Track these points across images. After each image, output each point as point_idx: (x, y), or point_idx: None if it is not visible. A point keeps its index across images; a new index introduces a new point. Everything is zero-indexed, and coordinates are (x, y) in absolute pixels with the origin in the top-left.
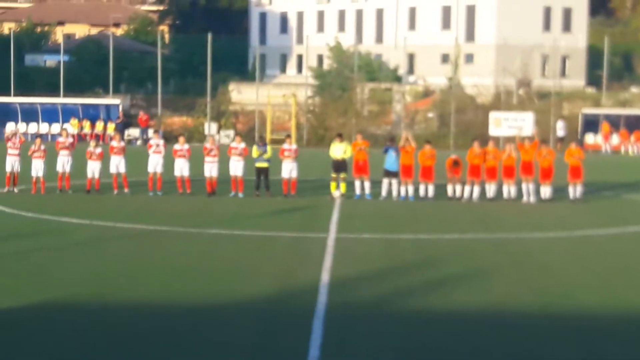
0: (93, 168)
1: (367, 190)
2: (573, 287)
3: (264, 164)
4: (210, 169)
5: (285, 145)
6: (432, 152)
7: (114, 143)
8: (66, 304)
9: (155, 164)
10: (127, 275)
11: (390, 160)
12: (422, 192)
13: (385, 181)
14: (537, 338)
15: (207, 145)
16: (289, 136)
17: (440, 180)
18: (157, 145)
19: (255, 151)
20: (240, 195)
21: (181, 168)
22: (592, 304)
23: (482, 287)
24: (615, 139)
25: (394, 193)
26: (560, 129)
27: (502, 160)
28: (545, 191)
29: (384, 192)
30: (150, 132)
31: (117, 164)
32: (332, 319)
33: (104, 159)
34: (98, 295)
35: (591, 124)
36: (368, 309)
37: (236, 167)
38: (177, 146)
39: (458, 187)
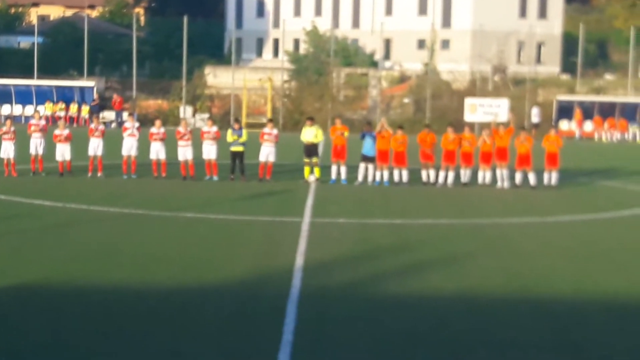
0: (62, 150)
1: (343, 175)
2: (547, 272)
3: (239, 148)
4: (184, 153)
5: (266, 129)
6: (404, 137)
7: (93, 125)
8: (39, 288)
9: (129, 147)
10: (101, 259)
11: (367, 146)
12: (396, 177)
13: (361, 166)
14: (511, 322)
15: (180, 129)
16: (270, 120)
17: (415, 166)
18: (132, 129)
19: (230, 135)
20: (215, 178)
21: (157, 151)
22: (565, 288)
23: (456, 272)
24: (589, 125)
25: (369, 178)
26: (535, 116)
27: (478, 146)
28: (530, 178)
29: (360, 177)
30: (125, 115)
31: (96, 146)
32: (306, 302)
33: (77, 141)
34: (71, 278)
35: (565, 110)
36: (342, 293)
37: (209, 151)
38: (153, 129)
39: (432, 172)
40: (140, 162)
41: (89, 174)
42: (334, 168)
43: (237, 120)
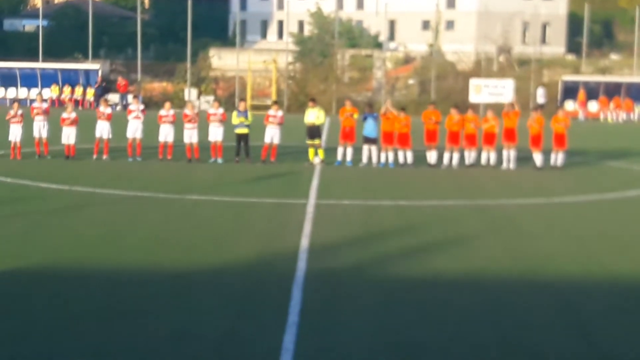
0: (68, 134)
1: (349, 157)
2: (553, 253)
3: (244, 130)
4: (190, 136)
5: (271, 112)
6: (407, 119)
7: (102, 108)
8: (45, 270)
9: (134, 129)
10: (107, 242)
11: (369, 127)
12: (400, 158)
13: (365, 148)
14: (517, 304)
15: (187, 111)
16: (275, 102)
17: (420, 147)
18: (137, 111)
19: (235, 117)
20: (220, 161)
21: (166, 134)
22: (571, 269)
23: (462, 253)
24: (594, 106)
25: (374, 160)
26: (540, 96)
27: (482, 127)
28: (537, 159)
29: (364, 159)
30: (130, 97)
31: (103, 129)
32: (311, 284)
33: (83, 124)
34: (77, 261)
35: (571, 91)
36: (347, 274)
37: (216, 133)
38: (162, 112)
39: (435, 154)
40: (144, 145)
41: (94, 157)
42: (340, 150)
43: (243, 100)
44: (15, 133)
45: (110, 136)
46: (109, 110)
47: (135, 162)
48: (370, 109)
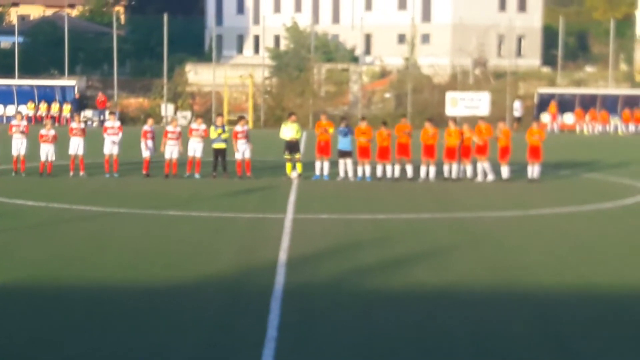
0: (46, 150)
1: (326, 171)
2: (530, 265)
3: (222, 145)
4: (172, 151)
5: (238, 127)
6: (388, 132)
7: (74, 125)
8: (23, 286)
9: (110, 146)
10: (84, 258)
11: (344, 141)
12: (379, 172)
13: (340, 162)
14: (495, 316)
15: (170, 128)
16: (242, 117)
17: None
18: (112, 128)
19: (212, 131)
20: (197, 176)
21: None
22: (548, 281)
23: (440, 266)
24: (570, 118)
25: (350, 173)
26: (516, 109)
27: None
28: (503, 171)
29: (341, 173)
30: (107, 113)
31: (77, 145)
32: (290, 298)
33: (60, 140)
34: (55, 277)
35: (546, 103)
36: (326, 288)
37: (196, 148)
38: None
39: (410, 167)
40: (121, 161)
41: (71, 173)
42: (317, 164)
43: (220, 115)
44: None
45: (85, 152)
46: (82, 126)
47: (112, 178)
48: (344, 123)
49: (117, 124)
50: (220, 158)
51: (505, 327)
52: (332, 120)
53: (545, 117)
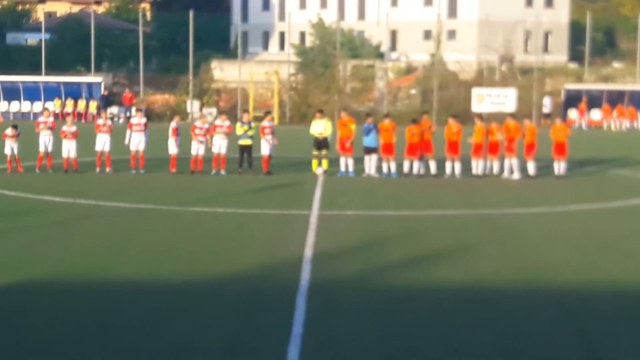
0: (68, 147)
1: (351, 168)
2: (556, 263)
3: (248, 141)
4: (198, 148)
5: (265, 123)
6: (417, 128)
7: (100, 121)
8: (48, 283)
9: (137, 142)
10: (109, 254)
11: (369, 137)
12: (406, 168)
13: (366, 158)
14: (519, 313)
15: (198, 124)
16: (268, 112)
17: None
18: (139, 124)
19: (238, 128)
20: (223, 173)
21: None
22: (574, 279)
23: (465, 263)
24: (597, 114)
25: (373, 170)
26: (546, 106)
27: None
28: (530, 167)
29: (366, 169)
30: (133, 110)
31: (103, 142)
32: (315, 294)
33: (87, 137)
34: (80, 274)
35: (574, 99)
36: (351, 284)
37: (220, 145)
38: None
39: (432, 164)
40: (148, 157)
41: (97, 170)
42: (342, 160)
43: (246, 111)
44: (12, 146)
45: (111, 148)
46: (109, 123)
47: (138, 174)
48: (370, 120)
49: (144, 120)
50: (246, 154)
51: (530, 324)
52: (354, 117)
53: (573, 114)
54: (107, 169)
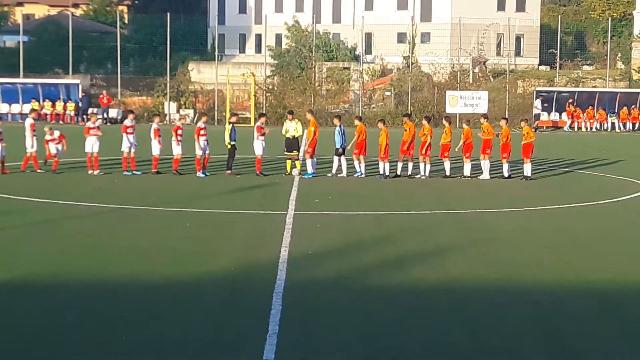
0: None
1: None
2: (528, 262)
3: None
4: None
5: (258, 124)
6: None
7: (90, 124)
8: (27, 283)
9: (129, 144)
10: (88, 253)
11: (338, 139)
12: (381, 169)
13: (335, 159)
14: (493, 313)
15: (201, 124)
16: (263, 115)
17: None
18: (132, 127)
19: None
20: (207, 174)
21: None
22: (547, 278)
23: (439, 262)
24: (567, 116)
25: (344, 170)
26: (537, 107)
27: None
28: (504, 168)
29: (333, 169)
30: (113, 112)
31: (93, 144)
32: (291, 294)
33: (68, 138)
34: (59, 273)
35: (544, 102)
36: (327, 284)
37: (204, 147)
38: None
39: (410, 165)
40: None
41: (89, 171)
42: (308, 162)
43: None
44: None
45: (99, 150)
46: (97, 124)
47: (131, 175)
48: (338, 121)
49: (134, 122)
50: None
51: (503, 322)
52: (326, 118)
53: (544, 116)
54: (96, 171)
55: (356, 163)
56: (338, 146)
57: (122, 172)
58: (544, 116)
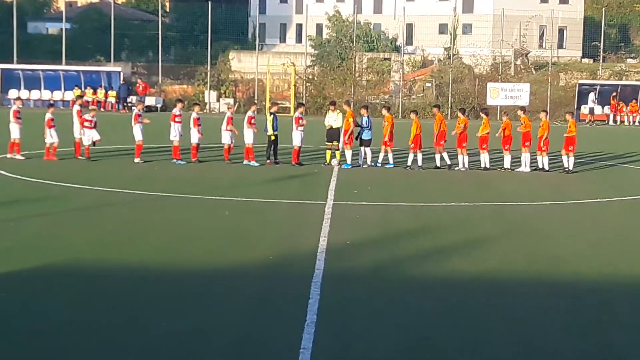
0: (90, 135)
1: (369, 159)
2: (567, 255)
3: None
4: (231, 137)
5: (297, 114)
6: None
7: (136, 110)
8: (67, 269)
9: (176, 133)
10: (128, 241)
11: (364, 130)
12: (409, 161)
13: (361, 150)
14: (530, 305)
15: (250, 113)
16: (301, 104)
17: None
18: (180, 116)
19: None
20: (255, 164)
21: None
22: (585, 272)
23: (477, 254)
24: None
25: (368, 161)
26: (592, 100)
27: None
28: (544, 161)
29: (360, 160)
30: (151, 99)
31: (138, 132)
32: (329, 284)
33: (103, 124)
34: (99, 260)
35: (587, 94)
36: (365, 274)
37: (250, 136)
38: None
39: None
40: (163, 145)
41: (136, 160)
42: (347, 152)
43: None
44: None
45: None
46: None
47: (170, 164)
48: (365, 112)
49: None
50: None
51: (542, 316)
52: (371, 109)
53: (586, 109)
54: (136, 159)
55: (381, 155)
56: (363, 137)
57: (170, 160)
58: (598, 109)
